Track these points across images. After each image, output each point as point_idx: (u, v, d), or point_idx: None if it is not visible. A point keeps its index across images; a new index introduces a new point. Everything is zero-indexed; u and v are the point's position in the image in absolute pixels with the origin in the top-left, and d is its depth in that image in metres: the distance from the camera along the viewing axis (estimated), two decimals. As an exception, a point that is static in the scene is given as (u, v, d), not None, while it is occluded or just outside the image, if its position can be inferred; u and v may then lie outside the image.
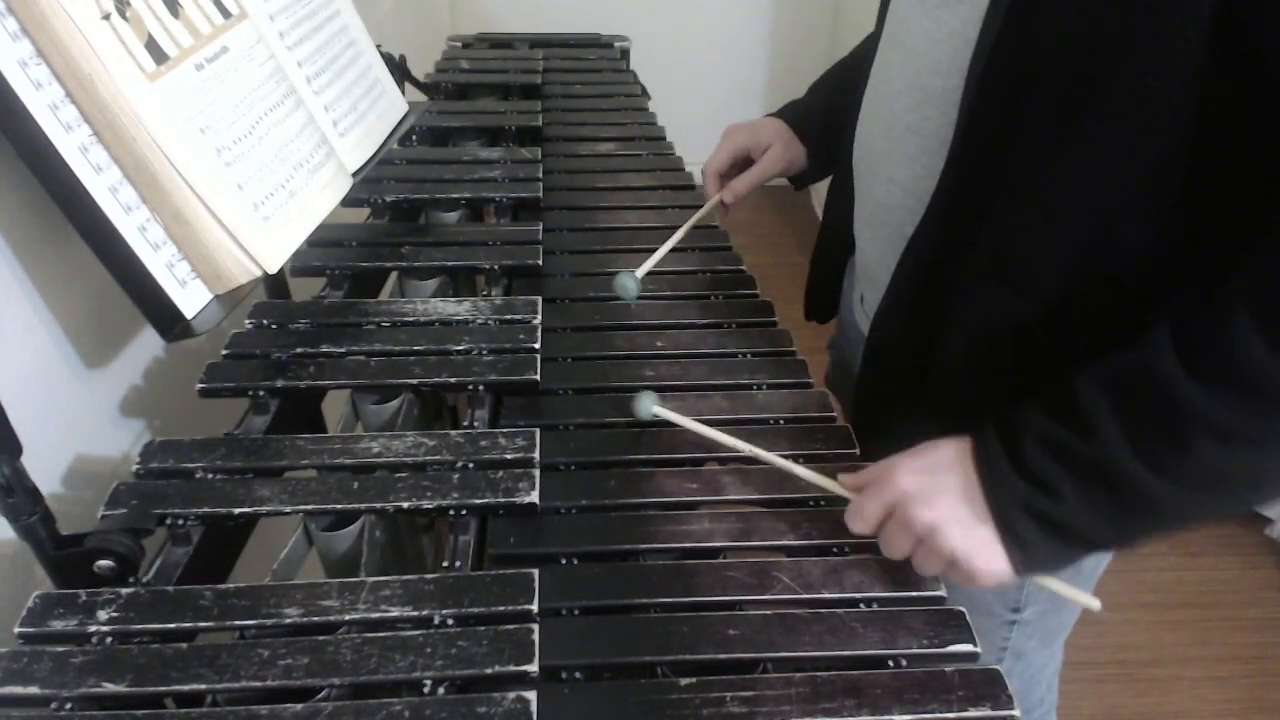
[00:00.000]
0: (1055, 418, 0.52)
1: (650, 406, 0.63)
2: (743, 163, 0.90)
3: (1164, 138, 0.50)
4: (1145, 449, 0.49)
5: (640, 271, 0.77)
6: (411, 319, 0.74)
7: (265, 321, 0.73)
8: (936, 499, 0.53)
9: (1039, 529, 0.52)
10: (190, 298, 0.61)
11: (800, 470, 0.60)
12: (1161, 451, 0.49)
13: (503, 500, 0.57)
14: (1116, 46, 0.49)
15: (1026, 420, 0.53)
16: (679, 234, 0.85)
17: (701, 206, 0.91)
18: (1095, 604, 0.58)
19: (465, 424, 0.67)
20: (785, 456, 0.63)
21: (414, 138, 1.10)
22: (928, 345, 0.65)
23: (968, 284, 0.61)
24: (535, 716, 0.45)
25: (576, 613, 0.52)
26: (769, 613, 0.52)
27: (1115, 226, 0.54)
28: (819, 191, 0.89)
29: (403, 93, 1.01)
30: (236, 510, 0.57)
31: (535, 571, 0.53)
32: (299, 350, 0.70)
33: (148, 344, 0.76)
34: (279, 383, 0.67)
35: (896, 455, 0.57)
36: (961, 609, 0.52)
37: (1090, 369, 0.52)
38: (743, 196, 0.90)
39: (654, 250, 0.82)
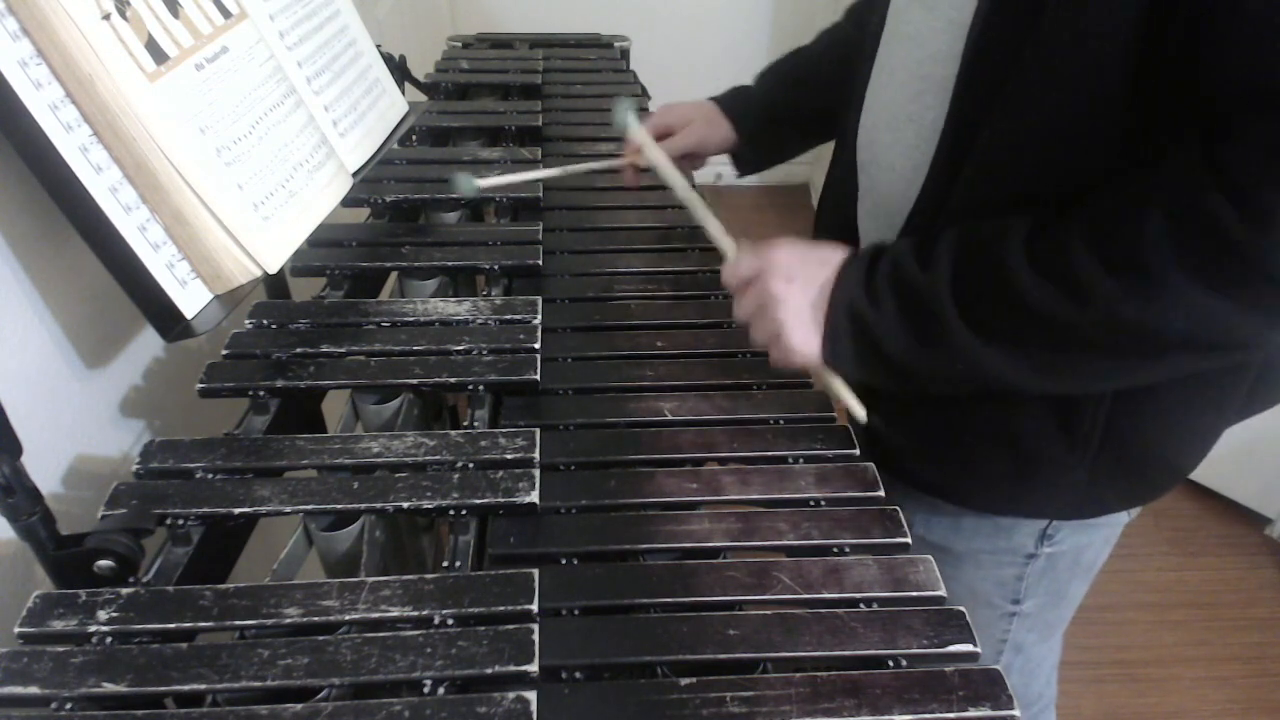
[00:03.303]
0: (912, 249, 0.59)
1: (628, 111, 0.65)
2: (664, 137, 0.93)
3: (1146, 115, 0.52)
4: (961, 294, 0.55)
5: (483, 183, 0.78)
6: (411, 319, 0.74)
7: (265, 321, 0.73)
8: (795, 279, 0.60)
9: (850, 329, 0.59)
10: (190, 298, 0.61)
11: (712, 224, 0.68)
12: (973, 300, 0.55)
13: (503, 500, 0.57)
14: (1069, 15, 0.51)
15: (895, 246, 0.60)
16: (558, 171, 0.93)
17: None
18: (861, 412, 0.63)
19: (465, 424, 0.67)
20: (785, 457, 0.64)
21: (414, 138, 1.10)
22: None
23: None
24: (535, 716, 0.45)
25: (576, 613, 0.52)
26: (769, 613, 0.52)
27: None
28: (819, 192, 0.89)
29: (403, 93, 1.01)
30: (236, 510, 0.57)
31: (535, 571, 0.53)
32: (299, 350, 0.70)
33: (148, 344, 0.76)
34: (279, 383, 0.67)
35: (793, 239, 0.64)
36: (961, 609, 0.52)
37: (960, 227, 0.58)
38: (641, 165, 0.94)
39: (647, 248, 0.82)
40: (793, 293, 0.60)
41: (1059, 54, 0.52)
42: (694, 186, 0.92)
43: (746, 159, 0.96)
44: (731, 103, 0.94)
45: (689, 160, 0.95)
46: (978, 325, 0.55)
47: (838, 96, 0.80)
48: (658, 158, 0.65)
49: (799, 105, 0.92)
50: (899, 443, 0.72)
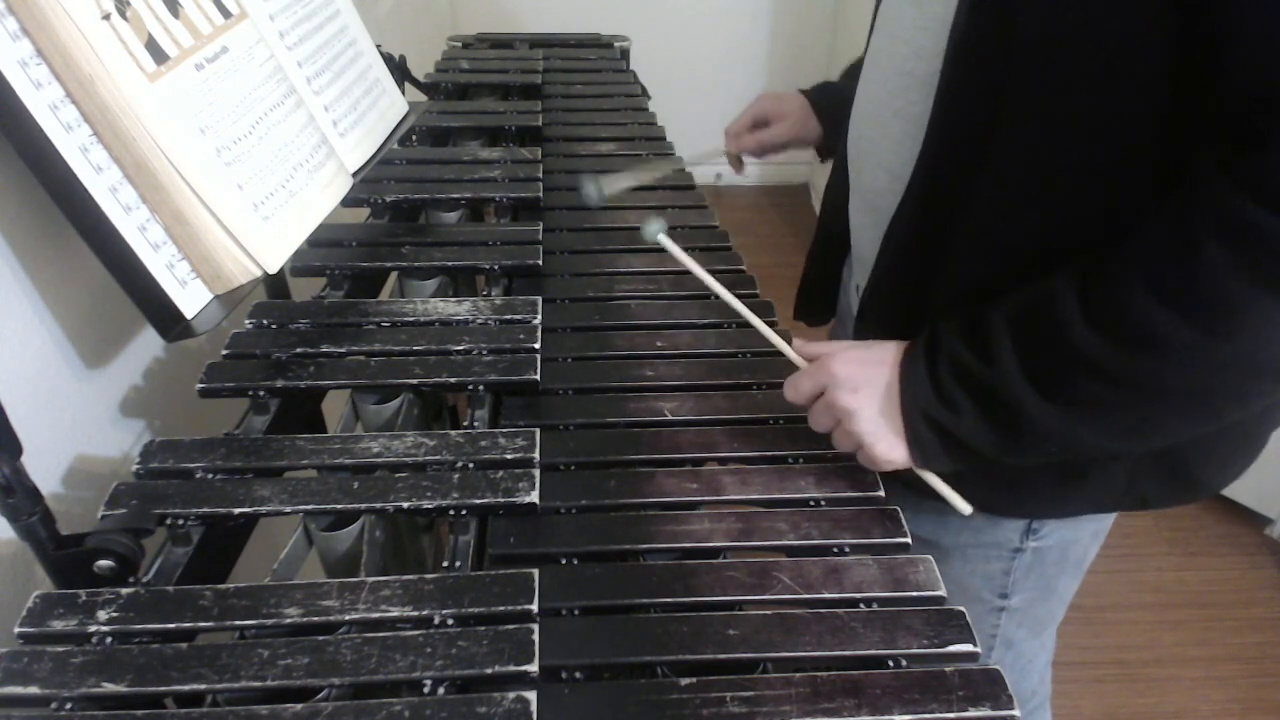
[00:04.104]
0: (966, 341, 0.57)
1: (658, 232, 0.66)
2: (762, 128, 1.02)
3: (1131, 100, 0.52)
4: (1036, 378, 0.54)
5: (609, 187, 0.77)
6: (411, 319, 0.74)
7: (265, 321, 0.73)
8: (861, 389, 0.59)
9: (936, 436, 0.58)
10: (190, 298, 0.61)
11: (761, 326, 0.65)
12: (1049, 381, 0.54)
13: (503, 500, 0.57)
14: (1077, 18, 0.51)
15: (946, 340, 0.58)
16: (667, 168, 0.99)
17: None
18: (966, 509, 0.62)
19: (465, 424, 0.67)
20: (785, 457, 0.64)
21: (414, 138, 1.10)
22: (912, 322, 0.66)
23: (948, 260, 0.63)
24: (535, 716, 0.45)
25: (576, 613, 0.52)
26: (769, 613, 0.52)
27: (1091, 197, 0.56)
28: (819, 192, 0.90)
29: (403, 93, 1.01)
30: (236, 510, 0.57)
31: (535, 571, 0.53)
32: (299, 350, 0.70)
33: (148, 344, 0.76)
34: (279, 383, 0.67)
35: (844, 342, 0.63)
36: (961, 609, 0.52)
37: (1002, 302, 0.57)
38: (748, 150, 1.02)
39: (647, 248, 0.82)
40: (863, 403, 0.59)
41: (1056, 58, 0.52)
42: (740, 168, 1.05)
43: (828, 151, 1.00)
44: (820, 98, 0.99)
45: (777, 149, 1.02)
46: (1061, 403, 0.54)
47: None
48: (697, 270, 0.66)
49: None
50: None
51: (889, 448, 0.59)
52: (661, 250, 0.91)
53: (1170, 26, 0.48)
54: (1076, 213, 0.57)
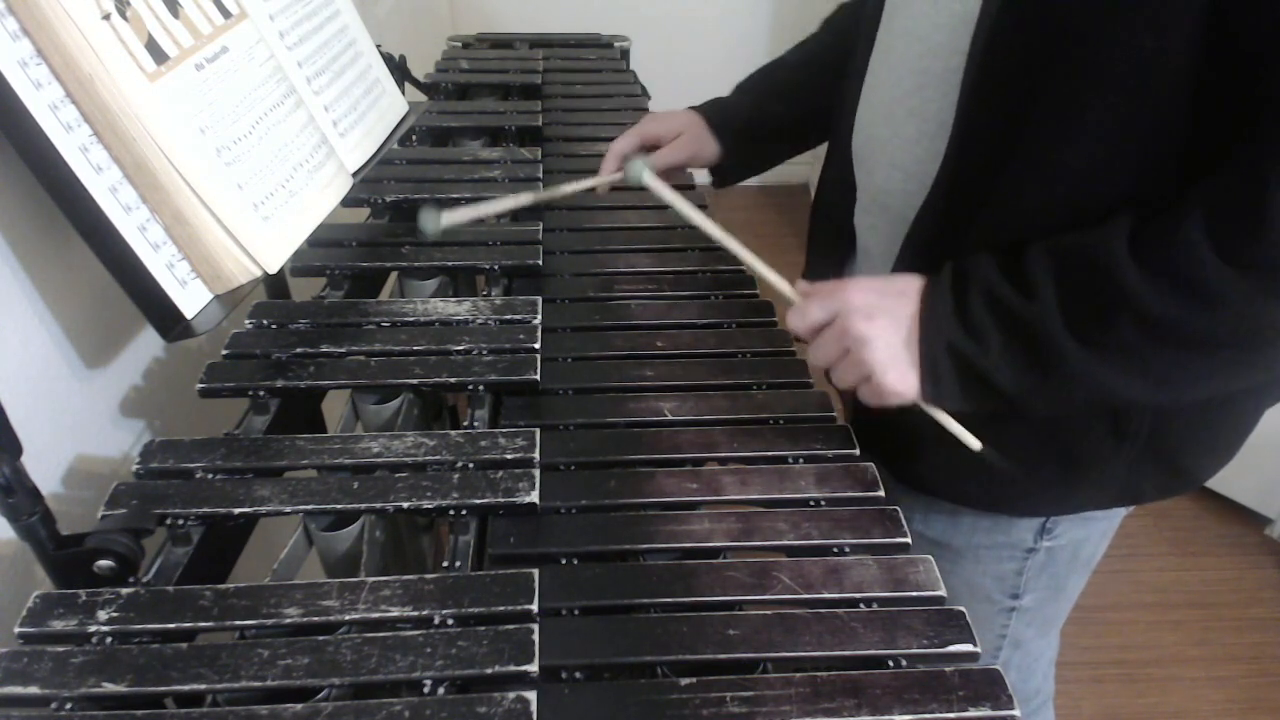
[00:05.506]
0: (1004, 274, 0.55)
1: (642, 170, 0.63)
2: (650, 149, 0.91)
3: (1162, 97, 0.51)
4: (1075, 317, 0.53)
5: (449, 218, 0.72)
6: (411, 319, 0.74)
7: (265, 321, 0.73)
8: (877, 316, 0.57)
9: (955, 369, 0.56)
10: (190, 298, 0.61)
11: (758, 264, 0.64)
12: (1089, 322, 0.52)
13: (503, 500, 0.57)
14: (1110, 13, 0.50)
15: (978, 272, 0.56)
16: (547, 194, 0.82)
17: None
18: (975, 444, 0.60)
19: (465, 424, 0.67)
20: (785, 457, 0.64)
21: (414, 138, 1.10)
22: None
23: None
24: (535, 716, 0.45)
25: (576, 613, 0.52)
26: (769, 613, 0.52)
27: (1117, 192, 0.55)
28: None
29: (403, 93, 1.01)
30: (236, 510, 0.57)
31: (535, 571, 0.53)
32: (299, 350, 0.70)
33: (148, 344, 0.76)
34: (279, 383, 0.67)
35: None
36: (961, 609, 0.52)
37: (1049, 239, 0.55)
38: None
39: (647, 248, 0.82)
40: (879, 331, 0.57)
41: (1089, 55, 0.52)
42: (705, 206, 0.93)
43: (726, 173, 0.94)
44: (714, 116, 0.91)
45: (670, 173, 0.91)
46: (1096, 346, 0.53)
47: (815, 106, 0.80)
48: (686, 208, 0.63)
49: (779, 118, 0.90)
50: (902, 446, 0.72)
51: (899, 378, 0.57)
52: (662, 251, 0.91)
53: (1205, 12, 0.47)
54: (1102, 211, 0.56)
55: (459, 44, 1.53)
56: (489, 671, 0.47)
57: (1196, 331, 0.51)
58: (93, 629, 0.49)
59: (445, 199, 0.94)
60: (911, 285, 0.59)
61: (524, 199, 0.77)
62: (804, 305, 0.60)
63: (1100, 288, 0.52)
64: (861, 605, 0.53)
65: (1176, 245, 0.50)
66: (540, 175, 0.98)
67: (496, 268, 0.83)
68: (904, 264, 0.67)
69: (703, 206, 0.66)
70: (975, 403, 0.58)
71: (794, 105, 0.89)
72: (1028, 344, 0.54)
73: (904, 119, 0.65)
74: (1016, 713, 0.46)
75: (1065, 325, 0.53)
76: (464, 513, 0.57)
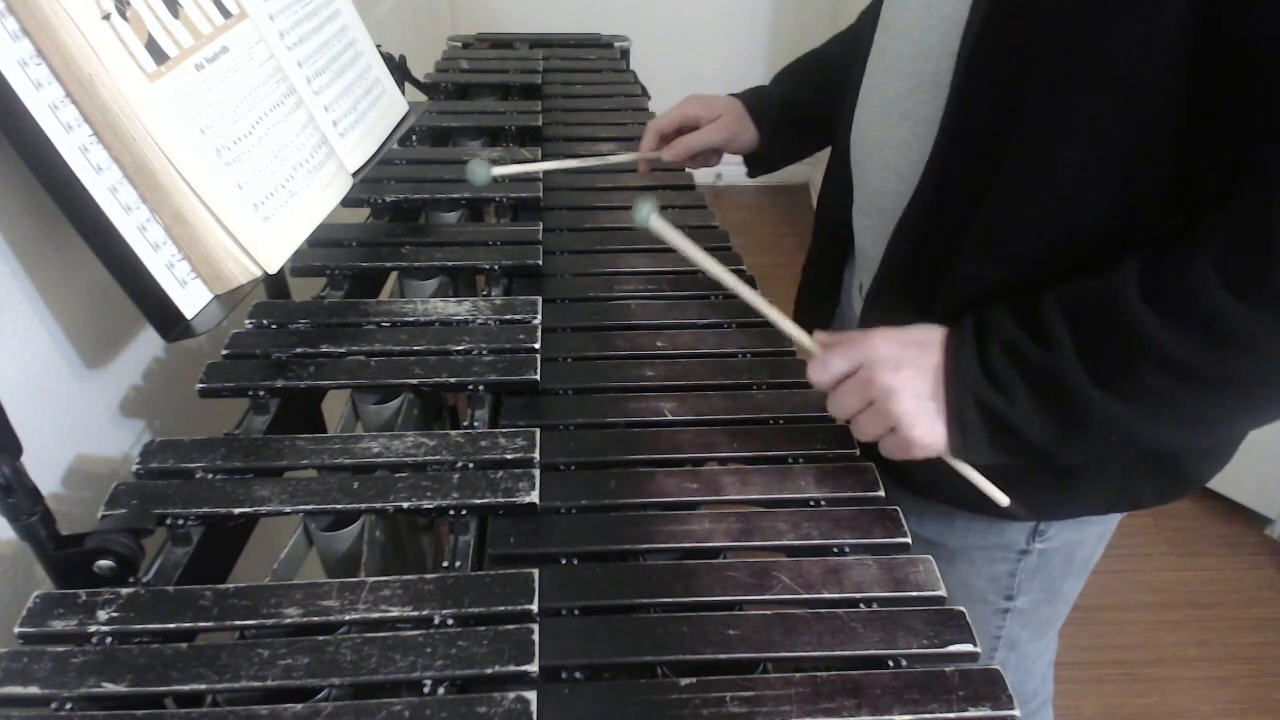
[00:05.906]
0: (1021, 326, 0.55)
1: (650, 214, 0.61)
2: (690, 130, 0.93)
3: (1149, 106, 0.51)
4: (1096, 366, 0.52)
5: (499, 170, 0.76)
6: (411, 319, 0.74)
7: (265, 321, 0.73)
8: (903, 368, 0.56)
9: (983, 422, 0.56)
10: (190, 298, 0.61)
11: (775, 316, 0.63)
12: (1109, 370, 0.52)
13: (503, 500, 0.57)
14: (1098, 19, 0.50)
15: (997, 323, 0.56)
16: (592, 160, 0.92)
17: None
18: (1003, 500, 0.60)
19: (465, 424, 0.67)
20: (785, 457, 0.64)
21: (414, 138, 1.10)
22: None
23: (956, 262, 0.62)
24: (535, 716, 0.45)
25: (576, 613, 0.52)
26: (769, 613, 0.52)
27: (1101, 197, 0.55)
28: (819, 191, 0.90)
29: (403, 93, 1.01)
30: (236, 510, 0.57)
31: (535, 571, 0.53)
32: (299, 350, 0.70)
33: (148, 344, 0.76)
34: (279, 383, 0.67)
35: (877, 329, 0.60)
36: (961, 609, 0.52)
37: (1059, 290, 0.55)
38: (679, 157, 0.93)
39: (647, 248, 0.82)
40: (905, 382, 0.56)
41: (1076, 59, 0.52)
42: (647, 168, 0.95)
43: (761, 160, 0.95)
44: (754, 103, 0.93)
45: (707, 156, 0.94)
46: (1122, 394, 0.52)
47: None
48: (693, 252, 0.63)
49: (815, 107, 0.91)
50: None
51: (927, 430, 0.56)
52: (662, 251, 0.91)
53: (1193, 24, 0.47)
54: (1088, 216, 0.56)
55: (459, 44, 1.53)
56: (489, 671, 0.47)
57: (1222, 371, 0.50)
58: (93, 629, 0.49)
59: (446, 199, 0.94)
60: (933, 336, 0.58)
61: (569, 163, 0.85)
62: (825, 357, 0.59)
63: (1118, 336, 0.52)
64: (861, 605, 0.53)
65: (1189, 288, 0.49)
66: (540, 176, 0.98)
67: (496, 268, 0.83)
68: (889, 265, 0.68)
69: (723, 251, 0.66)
70: (1005, 455, 0.57)
71: (829, 95, 0.89)
72: (1053, 396, 0.54)
73: (897, 121, 0.65)
74: (1016, 713, 0.46)
75: (1088, 375, 0.52)
76: (464, 513, 0.57)
